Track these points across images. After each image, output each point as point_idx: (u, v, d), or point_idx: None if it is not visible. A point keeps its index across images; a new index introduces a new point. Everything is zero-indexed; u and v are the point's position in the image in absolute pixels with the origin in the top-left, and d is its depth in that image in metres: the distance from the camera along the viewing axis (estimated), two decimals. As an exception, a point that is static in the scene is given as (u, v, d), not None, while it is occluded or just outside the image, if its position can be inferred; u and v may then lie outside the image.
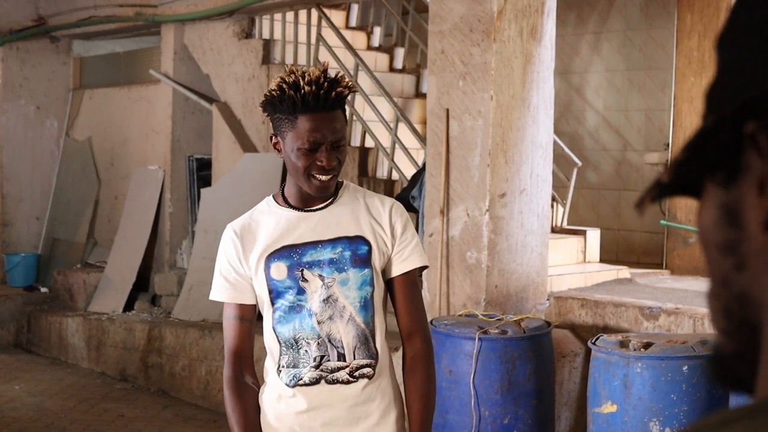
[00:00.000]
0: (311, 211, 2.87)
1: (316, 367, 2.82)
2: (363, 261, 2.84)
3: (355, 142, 8.47)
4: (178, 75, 9.72)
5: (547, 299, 6.24)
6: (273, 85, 2.76)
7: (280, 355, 2.85)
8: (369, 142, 8.38)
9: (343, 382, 2.83)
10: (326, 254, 2.83)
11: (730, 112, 0.68)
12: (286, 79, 2.72)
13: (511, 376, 5.06)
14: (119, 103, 10.78)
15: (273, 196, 2.93)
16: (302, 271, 2.81)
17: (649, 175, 8.62)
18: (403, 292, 2.90)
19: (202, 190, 9.18)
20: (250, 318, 2.89)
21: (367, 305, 2.84)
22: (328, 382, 2.82)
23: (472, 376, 5.00)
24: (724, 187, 0.70)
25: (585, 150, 8.97)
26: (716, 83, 0.71)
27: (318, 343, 2.82)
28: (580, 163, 8.22)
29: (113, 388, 8.36)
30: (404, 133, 8.06)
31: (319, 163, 2.75)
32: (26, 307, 9.99)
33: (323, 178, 2.76)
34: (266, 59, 9.01)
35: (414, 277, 2.92)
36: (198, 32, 9.56)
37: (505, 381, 5.04)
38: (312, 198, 2.86)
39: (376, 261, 2.85)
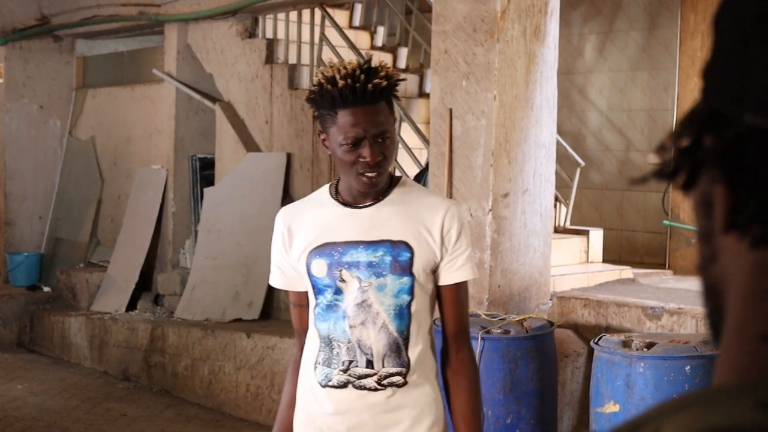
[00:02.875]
0: (359, 207, 2.81)
1: (344, 371, 2.77)
2: (403, 268, 2.75)
3: (358, 141, 8.46)
4: (181, 74, 9.72)
5: (550, 299, 6.23)
6: (314, 81, 2.73)
7: (319, 350, 2.81)
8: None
9: (370, 389, 2.76)
10: (366, 256, 2.76)
11: (699, 119, 0.70)
12: (325, 74, 2.68)
13: (513, 375, 5.06)
14: (122, 103, 10.79)
15: (330, 185, 2.88)
16: (341, 271, 2.76)
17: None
18: (450, 301, 2.84)
19: (205, 190, 9.18)
20: (305, 304, 2.89)
21: (402, 314, 2.76)
22: (356, 388, 2.77)
23: (474, 376, 4.99)
24: (702, 174, 0.71)
25: (588, 150, 8.97)
26: (711, 63, 0.73)
27: (348, 348, 2.76)
28: (583, 163, 8.22)
29: (116, 387, 8.36)
30: (407, 132, 8.06)
31: (362, 159, 2.68)
32: (29, 306, 9.99)
33: (369, 174, 2.70)
34: (269, 59, 9.01)
35: (464, 286, 2.85)
36: (201, 32, 9.57)
37: (507, 381, 5.04)
38: (362, 194, 2.79)
39: (418, 269, 2.76)
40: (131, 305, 9.35)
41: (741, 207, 0.67)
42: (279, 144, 8.77)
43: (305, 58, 8.99)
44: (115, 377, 8.69)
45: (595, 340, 4.92)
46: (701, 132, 0.70)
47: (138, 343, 8.57)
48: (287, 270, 2.88)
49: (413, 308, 2.77)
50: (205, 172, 9.67)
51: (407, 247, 2.76)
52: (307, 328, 2.88)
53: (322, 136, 2.78)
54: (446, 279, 2.81)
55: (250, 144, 9.00)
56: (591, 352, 5.13)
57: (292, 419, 2.93)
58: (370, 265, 2.75)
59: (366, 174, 2.70)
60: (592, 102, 9.06)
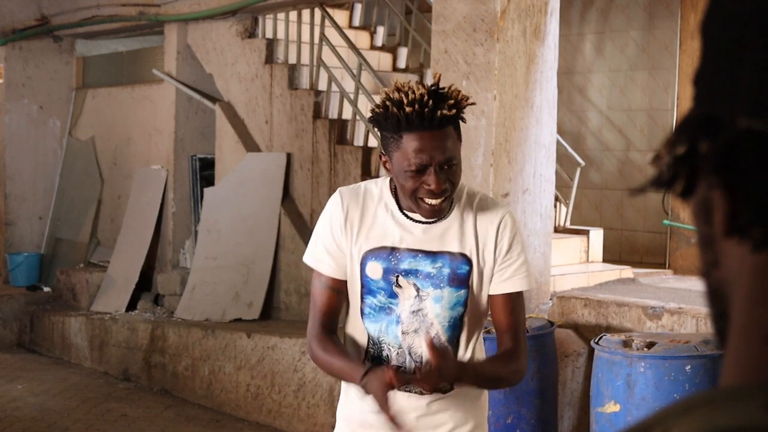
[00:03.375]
0: (419, 222, 2.73)
1: None
2: (461, 281, 2.72)
3: (358, 141, 8.47)
4: (181, 74, 9.72)
5: (550, 299, 6.23)
6: (378, 101, 2.62)
7: (368, 347, 2.77)
8: (372, 142, 8.38)
9: (416, 393, 2.74)
10: (425, 266, 2.71)
11: (693, 125, 0.71)
12: (391, 96, 2.57)
13: (514, 375, 5.05)
14: (122, 103, 10.79)
15: (390, 184, 2.77)
16: (398, 277, 2.71)
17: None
18: (499, 309, 2.78)
19: (205, 190, 9.18)
20: (342, 290, 2.79)
21: (455, 325, 2.75)
22: (402, 391, 2.73)
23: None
24: (700, 180, 0.72)
25: (588, 150, 8.97)
26: (702, 69, 0.73)
27: (398, 353, 2.73)
28: (583, 163, 8.22)
29: (116, 387, 8.36)
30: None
31: (426, 187, 2.58)
32: (29, 306, 9.99)
33: (433, 202, 2.60)
34: (269, 59, 9.01)
35: (516, 295, 2.79)
36: (201, 32, 9.56)
37: (508, 381, 5.03)
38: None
39: (475, 282, 2.73)
40: (131, 305, 9.34)
41: (740, 211, 0.67)
42: (279, 144, 8.77)
43: (305, 58, 8.99)
44: (115, 377, 8.69)
45: (596, 340, 4.92)
46: (696, 138, 0.70)
47: (138, 343, 8.57)
48: (339, 257, 2.77)
49: (466, 319, 2.75)
50: (205, 172, 9.67)
51: (466, 260, 2.72)
52: (335, 312, 2.80)
53: (384, 159, 2.67)
54: (495, 289, 2.77)
55: (249, 144, 9.00)
56: (591, 351, 5.13)
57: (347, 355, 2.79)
58: (428, 275, 2.70)
59: (429, 202, 2.61)
60: (592, 102, 9.06)
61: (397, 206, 2.75)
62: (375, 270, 2.71)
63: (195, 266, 8.94)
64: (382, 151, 2.67)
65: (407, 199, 2.65)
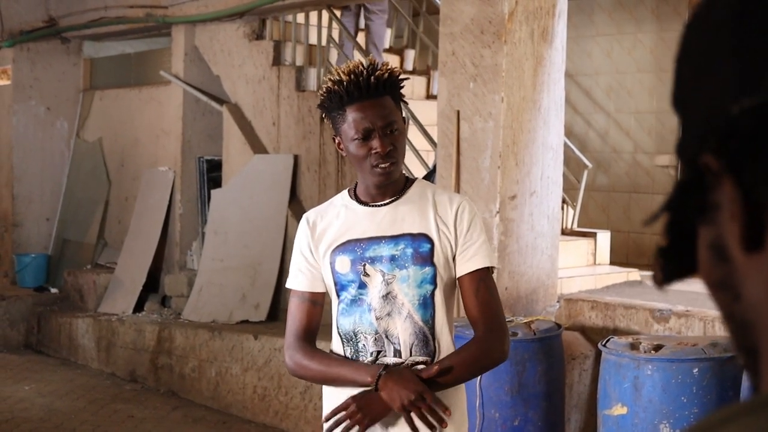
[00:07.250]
0: (377, 206, 2.91)
1: (372, 362, 2.84)
2: (424, 259, 2.85)
3: (365, 143, 8.46)
4: (188, 76, 9.73)
5: (558, 301, 6.23)
6: (323, 89, 2.86)
7: (344, 347, 2.90)
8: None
9: None
10: (388, 250, 2.86)
11: (690, 156, 0.71)
12: (331, 78, 2.82)
13: (521, 378, 5.05)
14: (130, 104, 10.80)
15: (348, 190, 2.99)
16: (364, 265, 2.85)
17: (659, 177, 8.60)
18: (469, 291, 2.88)
19: (213, 192, 9.19)
20: (321, 303, 2.96)
21: (426, 303, 2.86)
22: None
23: (479, 378, 4.99)
24: (709, 225, 0.72)
25: (595, 152, 8.96)
26: (678, 93, 0.75)
27: (375, 339, 2.85)
28: (590, 166, 8.21)
29: (123, 388, 8.37)
30: (414, 134, 8.05)
31: (374, 151, 2.79)
32: (36, 307, 10.01)
33: (383, 165, 2.80)
34: (277, 61, 9.01)
35: (482, 275, 2.89)
36: (209, 33, 9.57)
37: (515, 383, 5.04)
38: (379, 194, 2.90)
39: (439, 259, 2.86)
40: (138, 307, 9.35)
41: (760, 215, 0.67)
42: (286, 146, 8.78)
43: (313, 61, 8.99)
44: (122, 379, 8.70)
45: (603, 343, 4.91)
46: (698, 158, 0.70)
47: (145, 344, 8.58)
48: (309, 272, 2.94)
49: (437, 297, 2.87)
50: (212, 173, 9.67)
51: (427, 238, 2.87)
52: (312, 322, 2.94)
53: (337, 140, 2.89)
54: (461, 270, 2.90)
55: (257, 146, 9.00)
56: (598, 354, 5.13)
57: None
58: (392, 258, 2.85)
59: (379, 165, 2.80)
60: (600, 104, 9.05)
61: (356, 200, 2.93)
62: (343, 263, 2.87)
63: (202, 268, 8.95)
64: (334, 134, 2.90)
65: (362, 171, 2.84)
